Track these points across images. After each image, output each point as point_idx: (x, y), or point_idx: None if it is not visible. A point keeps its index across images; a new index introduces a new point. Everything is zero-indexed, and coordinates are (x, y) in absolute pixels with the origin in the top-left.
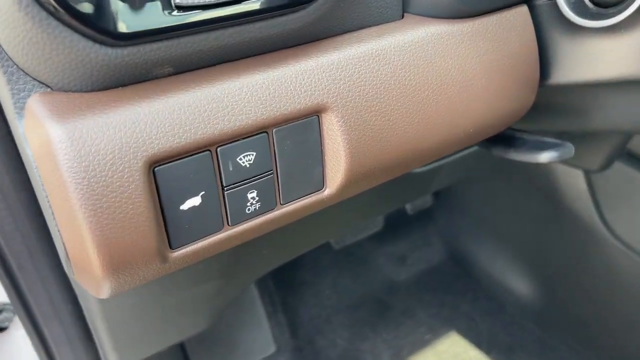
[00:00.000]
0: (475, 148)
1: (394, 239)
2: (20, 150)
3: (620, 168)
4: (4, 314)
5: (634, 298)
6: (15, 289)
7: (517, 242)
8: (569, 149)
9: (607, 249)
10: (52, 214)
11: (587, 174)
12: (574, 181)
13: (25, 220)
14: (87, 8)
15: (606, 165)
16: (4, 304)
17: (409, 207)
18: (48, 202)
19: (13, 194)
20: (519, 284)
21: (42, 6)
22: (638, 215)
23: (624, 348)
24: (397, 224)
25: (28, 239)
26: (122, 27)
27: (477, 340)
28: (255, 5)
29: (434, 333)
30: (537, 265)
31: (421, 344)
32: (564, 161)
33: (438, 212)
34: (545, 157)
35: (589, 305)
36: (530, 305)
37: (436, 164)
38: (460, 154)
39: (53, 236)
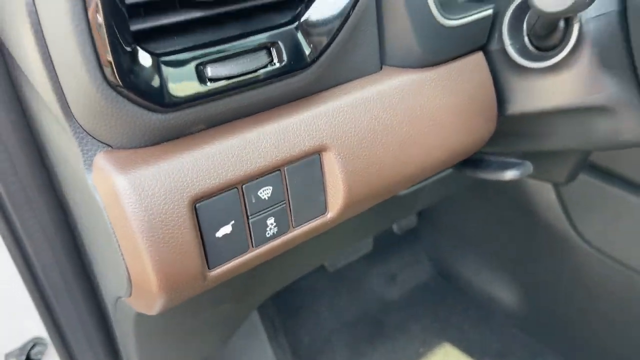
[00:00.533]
0: (452, 170)
1: (384, 259)
2: (68, 196)
3: (585, 179)
4: (37, 348)
5: (609, 298)
6: (53, 321)
7: (498, 254)
8: (528, 167)
9: (579, 254)
10: (119, 245)
11: (556, 186)
12: (544, 194)
13: (63, 258)
14: (144, 86)
15: (572, 177)
16: (38, 338)
17: (396, 228)
18: (115, 237)
19: (54, 235)
20: (503, 293)
21: (113, 88)
22: (605, 221)
23: (606, 347)
24: (386, 245)
25: (66, 274)
26: (169, 98)
27: (469, 349)
28: (267, 73)
29: (428, 345)
30: (518, 274)
31: (416, 356)
32: (534, 176)
33: (423, 232)
34: (508, 175)
35: (568, 308)
36: (516, 313)
37: (418, 186)
38: (439, 176)
39: (98, 268)
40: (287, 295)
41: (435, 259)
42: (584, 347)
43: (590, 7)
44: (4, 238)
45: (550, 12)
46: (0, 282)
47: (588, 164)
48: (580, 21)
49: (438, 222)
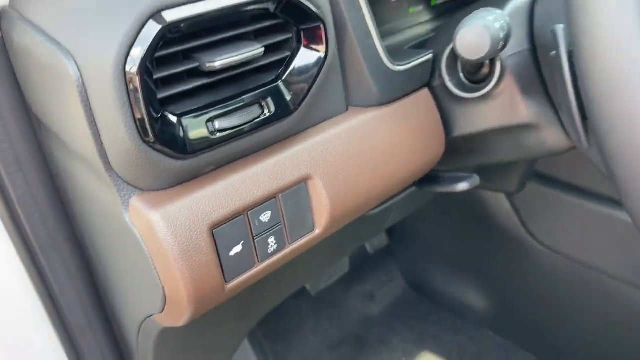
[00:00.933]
0: (414, 189)
1: (361, 279)
2: (94, 238)
3: (533, 187)
4: None
5: (566, 292)
6: (76, 356)
7: (465, 263)
8: (476, 179)
9: (535, 254)
10: (155, 268)
11: (509, 196)
12: (499, 203)
13: (85, 295)
14: (171, 140)
15: (521, 187)
16: None
17: (369, 248)
18: (152, 261)
19: (77, 275)
20: (474, 299)
21: (147, 143)
22: (553, 223)
23: (570, 339)
24: (362, 265)
25: (87, 310)
26: (190, 148)
27: (448, 355)
28: (260, 122)
29: (409, 355)
30: (486, 279)
31: None
32: (489, 188)
33: (395, 249)
34: (460, 187)
35: (533, 306)
36: (488, 316)
37: (387, 205)
38: (403, 194)
39: (121, 298)
40: (273, 321)
41: (408, 274)
42: (551, 341)
43: (508, 48)
44: (32, 279)
45: (471, 59)
46: (28, 324)
47: (535, 174)
48: (500, 59)
49: (408, 239)
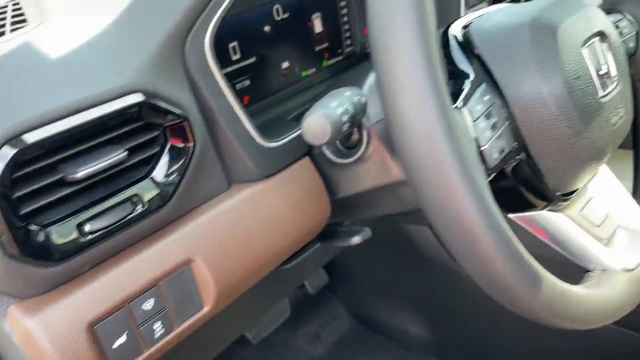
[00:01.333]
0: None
1: (305, 321)
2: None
3: None
4: None
5: (496, 312)
6: None
7: (403, 293)
8: (367, 232)
9: (462, 278)
10: None
11: (431, 227)
12: (423, 235)
13: None
14: (37, 251)
15: None
16: None
17: (309, 288)
18: None
19: None
20: (416, 327)
21: (14, 258)
22: None
23: (509, 358)
24: (304, 307)
25: None
26: (58, 255)
27: None
28: (133, 218)
29: None
30: (424, 307)
31: None
32: (411, 222)
33: (337, 286)
34: (354, 240)
35: (469, 329)
36: (431, 342)
37: (298, 260)
38: (311, 249)
39: None
40: None
41: (352, 309)
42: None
43: (372, 115)
44: None
45: (315, 144)
46: None
47: None
48: (366, 127)
49: (348, 275)
